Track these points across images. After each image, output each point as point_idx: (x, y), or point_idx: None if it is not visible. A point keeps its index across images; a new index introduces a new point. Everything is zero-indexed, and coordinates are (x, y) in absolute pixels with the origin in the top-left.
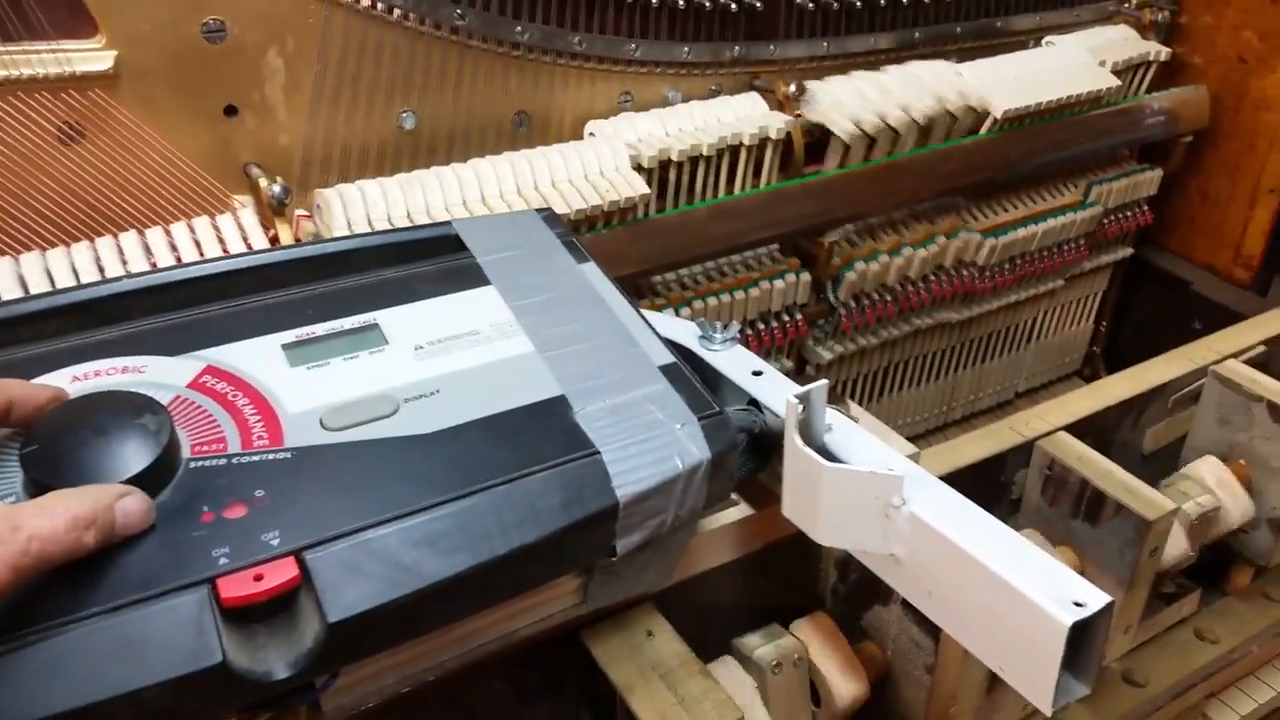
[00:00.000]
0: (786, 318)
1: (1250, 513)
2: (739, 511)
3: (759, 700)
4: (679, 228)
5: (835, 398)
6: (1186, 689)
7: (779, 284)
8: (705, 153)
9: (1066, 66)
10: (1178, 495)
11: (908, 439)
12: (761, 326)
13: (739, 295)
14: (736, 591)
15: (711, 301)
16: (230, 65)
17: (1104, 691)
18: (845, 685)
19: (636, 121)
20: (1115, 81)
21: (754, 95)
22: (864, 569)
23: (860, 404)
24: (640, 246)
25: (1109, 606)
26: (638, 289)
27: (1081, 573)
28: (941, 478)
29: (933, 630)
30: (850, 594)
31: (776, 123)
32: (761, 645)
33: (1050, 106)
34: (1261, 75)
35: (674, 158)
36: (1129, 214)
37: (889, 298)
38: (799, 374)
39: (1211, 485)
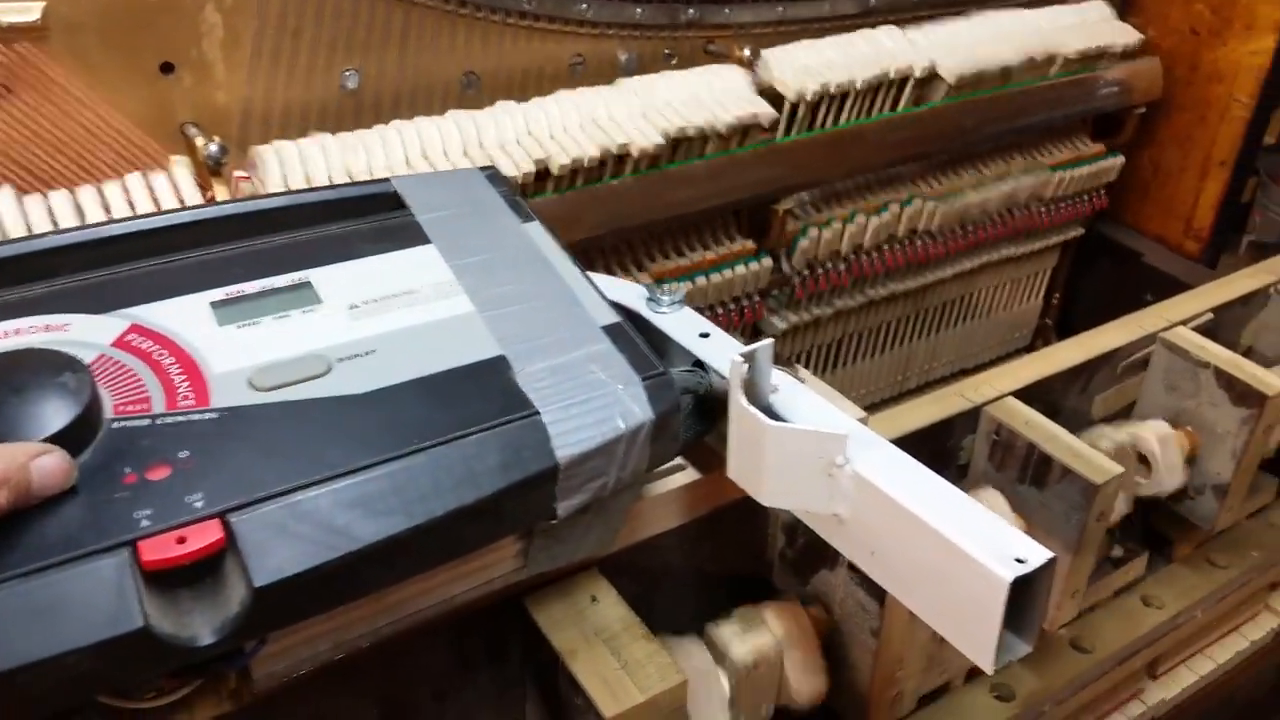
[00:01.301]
0: (745, 301)
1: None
2: (686, 476)
3: (727, 695)
4: (632, 193)
5: (784, 362)
6: (1132, 654)
7: (740, 270)
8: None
9: (1013, 32)
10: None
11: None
12: (720, 310)
13: (700, 280)
14: (684, 557)
15: (685, 285)
16: (166, 20)
17: (1051, 657)
18: (808, 687)
19: (609, 95)
20: (1070, 45)
21: (734, 69)
22: (811, 534)
23: (814, 375)
24: (593, 212)
25: (1051, 563)
26: (590, 267)
27: None
28: (890, 442)
29: (878, 593)
30: (797, 559)
31: (764, 110)
32: (739, 644)
33: (1002, 70)
34: (1213, 48)
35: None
36: (1085, 198)
37: (842, 266)
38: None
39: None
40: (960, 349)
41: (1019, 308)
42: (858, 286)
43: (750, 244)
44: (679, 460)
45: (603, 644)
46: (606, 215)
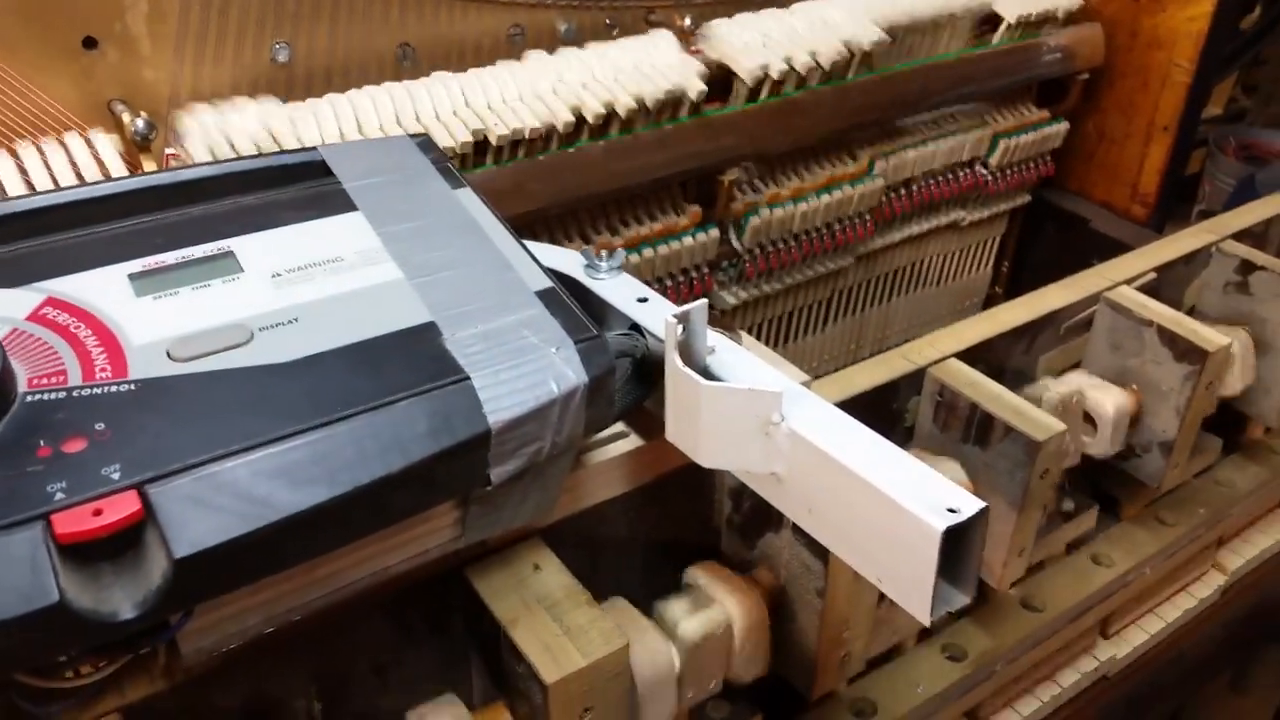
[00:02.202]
0: (694, 273)
1: (1127, 407)
2: (629, 443)
3: (675, 671)
4: (575, 164)
5: (727, 326)
6: (1083, 612)
7: (689, 241)
8: (623, 114)
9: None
10: (1041, 388)
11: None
12: (669, 282)
13: (647, 252)
14: (630, 524)
15: (621, 252)
16: None
17: (1002, 616)
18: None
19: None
20: (1013, 10)
21: (666, 35)
22: (757, 498)
23: (763, 345)
24: (535, 183)
25: (983, 512)
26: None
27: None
28: (835, 406)
29: (821, 553)
30: (744, 523)
31: (694, 77)
32: (687, 619)
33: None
34: (1153, 14)
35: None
36: (1032, 165)
37: (793, 244)
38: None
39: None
40: (911, 319)
41: (969, 276)
42: (808, 263)
43: (697, 210)
44: (621, 427)
45: (545, 611)
46: (554, 186)
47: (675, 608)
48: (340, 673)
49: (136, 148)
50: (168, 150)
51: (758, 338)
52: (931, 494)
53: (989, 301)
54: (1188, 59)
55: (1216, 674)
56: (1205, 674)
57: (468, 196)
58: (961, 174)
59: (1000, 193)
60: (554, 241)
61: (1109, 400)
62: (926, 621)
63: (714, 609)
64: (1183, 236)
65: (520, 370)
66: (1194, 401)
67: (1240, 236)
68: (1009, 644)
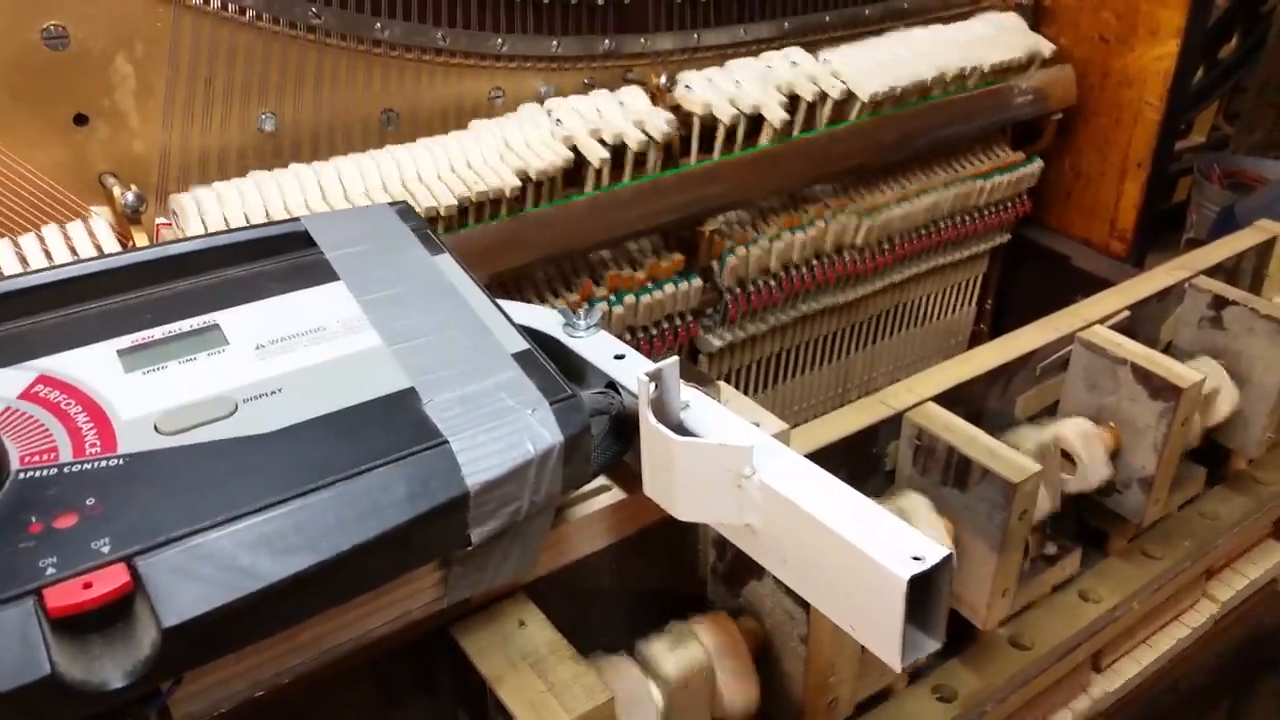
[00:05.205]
0: (678, 321)
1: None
2: (611, 496)
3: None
4: (557, 221)
5: (707, 380)
6: (1072, 649)
7: (670, 290)
8: (596, 165)
9: (932, 47)
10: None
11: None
12: (654, 331)
13: (629, 300)
14: (617, 577)
15: (601, 307)
16: (76, 72)
17: (991, 655)
18: (740, 697)
19: (516, 120)
20: (987, 59)
21: (635, 89)
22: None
23: (754, 392)
24: (518, 241)
25: (947, 559)
26: (522, 294)
27: (955, 539)
28: (814, 452)
29: (803, 601)
30: (728, 572)
31: (659, 121)
32: (669, 656)
33: (918, 86)
34: (1122, 54)
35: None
36: (1009, 205)
37: (773, 283)
38: (692, 364)
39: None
40: (897, 359)
41: (953, 315)
42: (790, 302)
43: (679, 257)
44: (603, 481)
45: (530, 668)
46: (542, 240)
47: (655, 647)
48: None
49: (127, 220)
50: (159, 221)
51: (744, 382)
52: (897, 543)
53: (973, 340)
54: (1157, 97)
55: (1213, 706)
56: (1201, 706)
57: (446, 262)
58: (943, 225)
59: (979, 233)
60: (539, 295)
61: (1079, 433)
62: (898, 668)
63: (693, 646)
64: (1156, 274)
65: (497, 432)
66: (1171, 437)
67: (1213, 272)
68: (999, 683)
